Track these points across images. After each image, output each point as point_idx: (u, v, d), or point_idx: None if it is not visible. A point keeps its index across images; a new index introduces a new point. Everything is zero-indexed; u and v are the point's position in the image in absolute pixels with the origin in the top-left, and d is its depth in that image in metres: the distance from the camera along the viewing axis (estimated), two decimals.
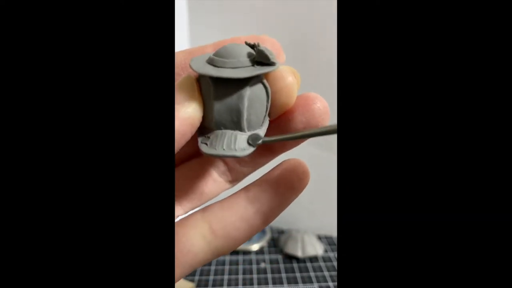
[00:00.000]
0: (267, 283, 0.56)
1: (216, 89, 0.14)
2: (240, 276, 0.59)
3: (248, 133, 0.14)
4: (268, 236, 0.69)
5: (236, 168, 0.18)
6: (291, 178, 0.16)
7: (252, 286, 0.56)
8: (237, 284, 0.57)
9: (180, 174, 0.17)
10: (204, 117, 0.14)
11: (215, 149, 0.14)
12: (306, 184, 0.16)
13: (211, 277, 0.59)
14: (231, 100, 0.14)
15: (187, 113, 0.14)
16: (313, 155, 0.66)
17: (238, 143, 0.14)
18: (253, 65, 0.14)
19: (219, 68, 0.14)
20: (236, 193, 0.17)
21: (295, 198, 0.16)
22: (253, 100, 0.14)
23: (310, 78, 0.65)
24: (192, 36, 0.71)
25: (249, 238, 0.16)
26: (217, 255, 0.16)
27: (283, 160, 0.16)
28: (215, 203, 0.17)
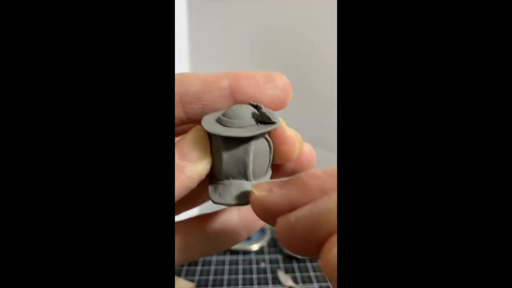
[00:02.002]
0: (267, 283, 0.56)
1: (225, 145, 0.16)
2: (240, 276, 0.59)
3: (254, 182, 0.16)
4: (268, 236, 0.69)
5: None
6: None
7: (252, 286, 0.56)
8: (237, 284, 0.57)
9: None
10: (212, 167, 0.16)
11: (224, 198, 0.16)
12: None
13: (211, 277, 0.59)
14: (238, 154, 0.16)
15: (197, 171, 0.15)
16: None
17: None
18: (256, 124, 0.16)
19: (228, 128, 0.15)
20: None
21: None
22: (257, 153, 0.16)
23: (313, 75, 0.65)
24: (192, 36, 0.71)
25: None
26: None
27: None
28: None
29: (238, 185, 0.16)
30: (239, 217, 0.19)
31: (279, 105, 0.17)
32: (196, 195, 0.18)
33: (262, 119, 0.16)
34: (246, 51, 0.69)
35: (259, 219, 0.15)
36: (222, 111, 0.16)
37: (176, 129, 0.17)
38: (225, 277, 0.59)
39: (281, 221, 0.13)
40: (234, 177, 0.16)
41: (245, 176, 0.16)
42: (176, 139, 0.16)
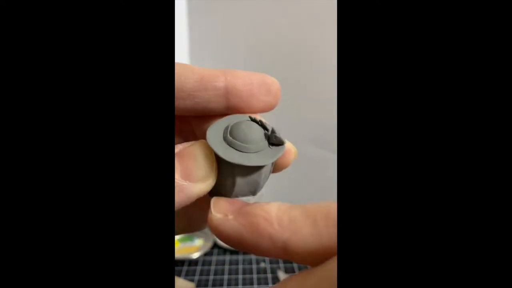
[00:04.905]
0: (267, 283, 0.56)
1: (241, 171, 0.15)
2: (240, 276, 0.59)
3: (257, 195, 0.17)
4: None
5: None
6: None
7: (252, 286, 0.56)
8: (237, 284, 0.57)
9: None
10: (218, 186, 0.15)
11: None
12: None
13: (211, 277, 0.59)
14: (253, 177, 0.16)
15: (198, 191, 0.14)
16: (314, 154, 0.66)
17: None
18: (269, 146, 0.16)
19: (245, 154, 0.15)
20: None
21: None
22: (266, 171, 0.16)
23: (313, 74, 0.66)
24: (192, 36, 0.71)
25: None
26: None
27: None
28: None
29: (246, 201, 0.17)
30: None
31: (268, 110, 0.17)
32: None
33: (276, 142, 0.16)
34: (246, 50, 0.69)
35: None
36: (222, 124, 0.16)
37: None
38: (225, 277, 0.59)
39: None
40: (242, 196, 0.16)
41: (253, 193, 0.17)
42: (177, 147, 0.15)
